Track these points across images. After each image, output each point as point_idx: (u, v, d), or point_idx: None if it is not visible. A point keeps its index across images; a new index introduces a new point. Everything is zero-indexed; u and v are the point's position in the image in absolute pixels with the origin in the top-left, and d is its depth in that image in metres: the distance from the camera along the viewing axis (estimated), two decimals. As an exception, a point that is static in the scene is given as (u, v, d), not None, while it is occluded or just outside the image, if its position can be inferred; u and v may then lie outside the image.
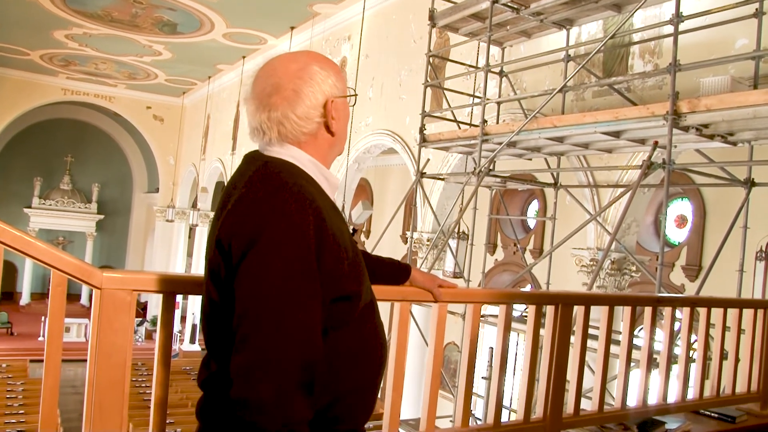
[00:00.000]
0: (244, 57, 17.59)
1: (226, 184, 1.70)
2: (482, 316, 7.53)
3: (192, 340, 21.71)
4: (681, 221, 11.47)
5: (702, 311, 3.56)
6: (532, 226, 14.17)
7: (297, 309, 1.44)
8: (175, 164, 24.89)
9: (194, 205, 22.58)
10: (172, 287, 1.95)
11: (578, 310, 2.79)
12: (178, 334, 22.30)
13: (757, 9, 5.46)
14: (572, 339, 2.86)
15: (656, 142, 5.77)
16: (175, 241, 23.93)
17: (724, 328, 3.71)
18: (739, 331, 3.80)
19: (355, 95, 1.78)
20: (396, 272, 2.26)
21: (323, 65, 1.69)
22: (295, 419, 1.42)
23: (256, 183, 1.54)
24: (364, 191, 18.84)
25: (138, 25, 15.52)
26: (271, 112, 1.63)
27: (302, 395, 1.44)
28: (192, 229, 22.43)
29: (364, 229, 19.03)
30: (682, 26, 5.42)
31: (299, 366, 1.43)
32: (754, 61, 5.51)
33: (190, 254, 23.46)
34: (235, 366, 1.42)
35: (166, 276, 1.94)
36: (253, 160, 1.65)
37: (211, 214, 21.00)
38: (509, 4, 7.20)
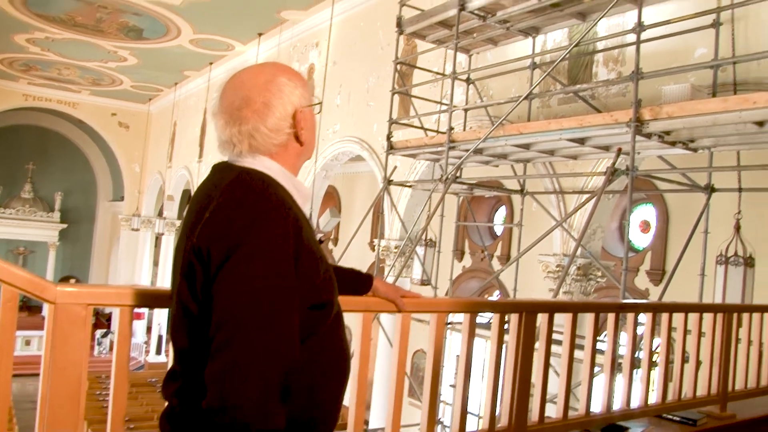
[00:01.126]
0: (211, 63, 17.46)
1: (194, 194, 1.70)
2: (449, 323, 7.57)
3: (158, 351, 21.40)
4: (645, 226, 11.64)
5: (664, 316, 3.61)
6: (499, 233, 14.27)
7: (276, 316, 1.45)
8: (141, 172, 24.57)
9: (160, 214, 22.31)
10: (129, 301, 1.92)
11: (542, 318, 2.80)
12: (144, 345, 21.98)
13: (714, 20, 5.59)
14: (537, 344, 2.87)
15: (620, 149, 5.86)
16: (141, 251, 23.60)
17: (685, 332, 3.76)
18: (700, 334, 3.86)
19: (320, 103, 1.80)
20: (358, 282, 2.26)
21: (291, 77, 1.72)
22: (272, 427, 1.41)
23: (235, 192, 1.54)
24: (332, 198, 18.80)
25: (102, 30, 15.30)
26: (242, 126, 1.64)
27: (279, 403, 1.43)
28: (158, 238, 22.16)
29: (332, 237, 18.96)
30: (644, 35, 5.51)
31: (278, 373, 1.43)
32: (713, 70, 5.64)
33: (156, 263, 23.13)
34: (212, 372, 1.41)
35: (122, 289, 1.92)
36: (225, 169, 1.65)
37: (178, 223, 20.75)
38: (476, 11, 7.26)
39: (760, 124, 4.87)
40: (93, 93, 22.97)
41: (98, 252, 29.41)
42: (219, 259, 1.46)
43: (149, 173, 23.96)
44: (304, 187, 1.75)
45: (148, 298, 2.03)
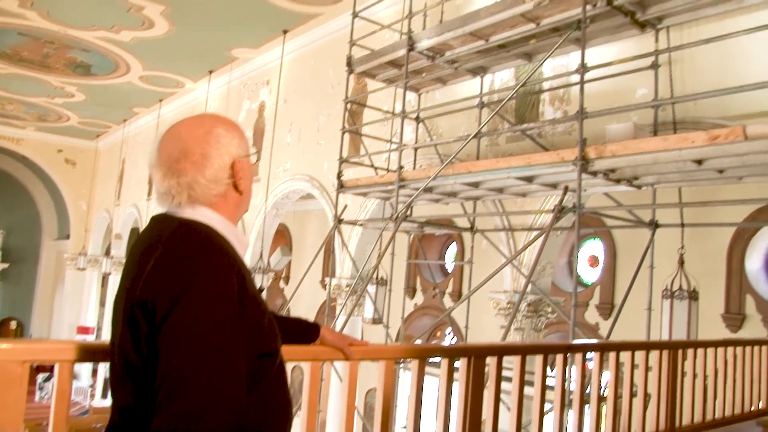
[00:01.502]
0: (161, 100, 17.31)
1: (132, 246, 1.69)
2: (402, 361, 7.52)
3: (104, 395, 20.66)
4: (594, 261, 11.84)
5: (612, 353, 3.64)
6: (450, 270, 14.31)
7: (223, 365, 1.45)
8: (88, 210, 24.00)
9: (107, 253, 21.77)
10: (69, 356, 1.86)
11: (491, 361, 2.79)
12: (89, 389, 21.23)
13: (653, 62, 5.79)
14: (487, 383, 2.86)
15: (566, 187, 5.95)
16: (87, 290, 22.93)
17: (633, 367, 3.80)
18: (647, 368, 3.91)
19: (257, 153, 1.81)
20: (305, 331, 2.26)
21: (228, 128, 1.74)
22: None
23: (177, 243, 1.55)
24: (282, 237, 18.63)
25: (49, 66, 15.04)
26: (180, 178, 1.65)
27: None
28: (105, 278, 21.57)
29: (283, 275, 18.75)
30: (587, 76, 5.64)
31: (227, 423, 1.42)
32: (654, 110, 5.83)
33: (103, 304, 22.49)
34: (160, 424, 1.39)
35: (62, 344, 1.86)
36: (165, 221, 1.65)
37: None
38: (425, 52, 7.36)
39: (699, 162, 5.02)
40: (38, 129, 22.45)
41: (42, 292, 28.43)
42: (164, 310, 1.45)
43: (96, 211, 23.42)
44: (243, 236, 1.77)
45: (90, 353, 1.97)
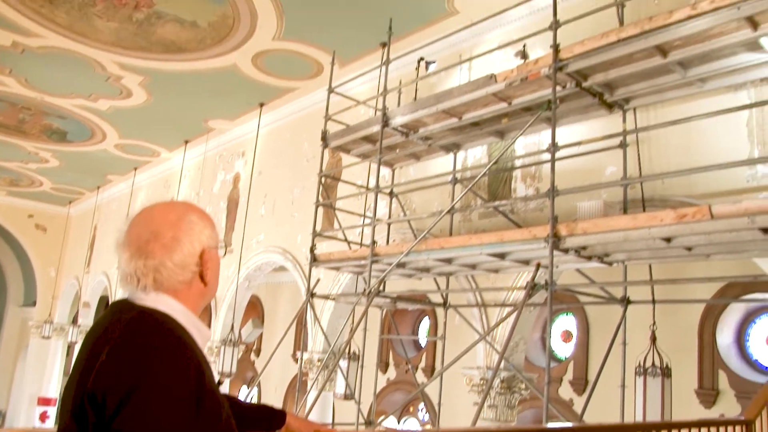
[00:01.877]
0: (135, 168, 17.29)
1: (89, 333, 1.63)
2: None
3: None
4: (567, 336, 11.81)
5: None
6: (423, 345, 14.17)
7: None
8: (56, 276, 23.53)
9: (74, 321, 21.25)
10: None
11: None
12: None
13: (621, 141, 5.94)
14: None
15: (539, 264, 5.97)
16: (51, 360, 22.21)
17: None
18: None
19: (225, 247, 1.82)
20: (270, 418, 2.20)
21: (200, 216, 1.74)
22: None
23: (134, 333, 1.50)
24: (255, 308, 18.39)
25: (25, 131, 15.02)
26: (147, 260, 1.62)
27: None
28: (71, 347, 21.00)
29: (254, 348, 18.41)
30: (558, 154, 5.73)
31: None
32: (623, 188, 5.94)
33: (67, 374, 21.75)
34: None
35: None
36: (124, 309, 1.60)
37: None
38: (399, 128, 7.47)
39: (668, 240, 5.08)
40: (9, 193, 22.22)
41: (3, 360, 27.38)
42: (115, 404, 1.39)
43: (65, 278, 22.98)
44: (205, 328, 1.72)
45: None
